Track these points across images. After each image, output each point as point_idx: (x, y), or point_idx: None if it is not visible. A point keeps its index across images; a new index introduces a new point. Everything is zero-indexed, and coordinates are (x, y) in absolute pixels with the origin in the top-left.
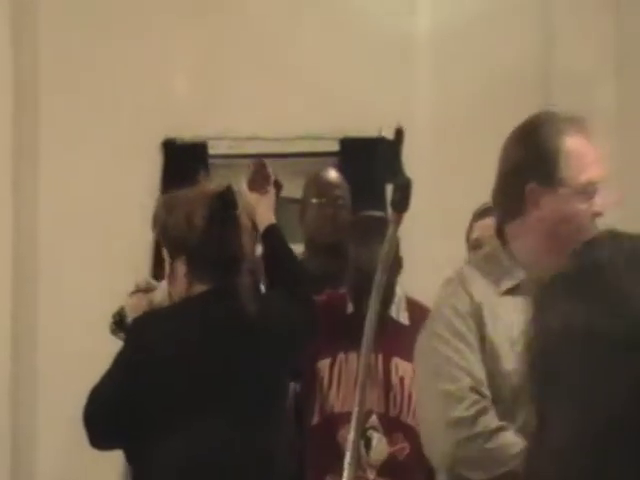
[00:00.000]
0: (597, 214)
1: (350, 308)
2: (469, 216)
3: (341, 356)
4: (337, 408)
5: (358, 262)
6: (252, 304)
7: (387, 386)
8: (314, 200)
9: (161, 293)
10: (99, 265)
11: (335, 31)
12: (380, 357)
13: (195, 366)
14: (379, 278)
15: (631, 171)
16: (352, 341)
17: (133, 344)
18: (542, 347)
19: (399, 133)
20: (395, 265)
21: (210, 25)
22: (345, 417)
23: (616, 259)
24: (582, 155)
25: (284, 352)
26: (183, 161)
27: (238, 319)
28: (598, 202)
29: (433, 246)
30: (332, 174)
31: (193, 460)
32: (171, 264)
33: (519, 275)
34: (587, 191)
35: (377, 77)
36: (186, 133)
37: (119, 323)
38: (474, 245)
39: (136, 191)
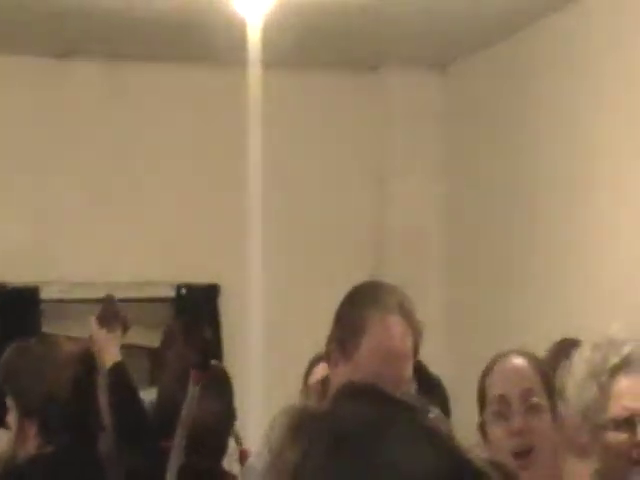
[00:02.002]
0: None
1: (185, 459)
2: (297, 366)
3: None
4: None
5: (196, 413)
6: (100, 464)
7: None
8: None
9: (0, 444)
10: None
11: (168, 186)
12: None
13: None
14: (179, 436)
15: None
16: None
17: None
18: None
19: (190, 290)
20: (228, 418)
21: (45, 174)
22: None
23: (359, 420)
24: (384, 348)
25: None
26: (14, 305)
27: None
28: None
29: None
30: None
31: None
32: (20, 421)
33: None
34: (373, 381)
35: (212, 234)
36: (17, 278)
37: None
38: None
39: None
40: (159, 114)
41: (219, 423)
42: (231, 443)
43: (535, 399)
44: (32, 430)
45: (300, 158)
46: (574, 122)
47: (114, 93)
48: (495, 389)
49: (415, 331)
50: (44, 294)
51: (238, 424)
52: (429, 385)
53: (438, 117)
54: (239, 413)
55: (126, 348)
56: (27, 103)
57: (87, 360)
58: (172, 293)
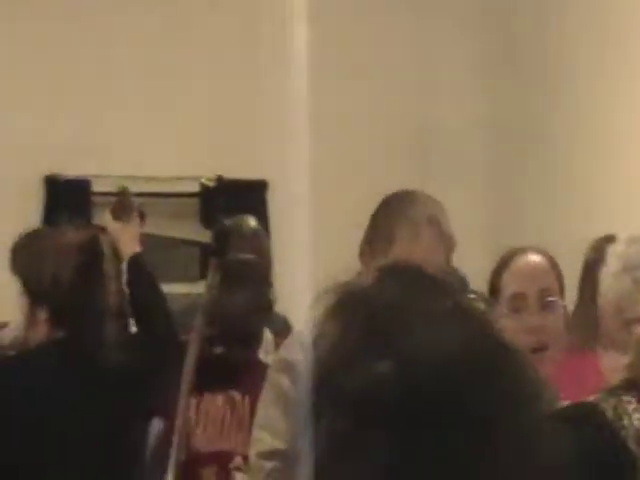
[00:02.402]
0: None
1: (218, 349)
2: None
3: (207, 396)
4: (203, 448)
5: (224, 305)
6: (108, 351)
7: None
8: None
9: (11, 332)
10: None
11: (216, 80)
12: (247, 399)
13: (46, 421)
14: (198, 322)
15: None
16: (219, 382)
17: None
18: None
19: (220, 181)
20: (263, 308)
21: (95, 65)
22: (210, 457)
23: (396, 297)
24: (412, 256)
25: (135, 394)
26: (66, 198)
27: (92, 367)
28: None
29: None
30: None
31: None
32: (30, 307)
33: None
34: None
35: (254, 127)
36: (69, 170)
37: None
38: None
39: (17, 228)
40: (204, 8)
41: (249, 312)
42: (267, 334)
43: (552, 297)
44: (42, 316)
45: (345, 56)
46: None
47: None
48: (512, 285)
49: (445, 243)
50: (96, 187)
51: (286, 315)
52: None
53: (480, 12)
54: (287, 306)
55: (171, 241)
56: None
57: (92, 246)
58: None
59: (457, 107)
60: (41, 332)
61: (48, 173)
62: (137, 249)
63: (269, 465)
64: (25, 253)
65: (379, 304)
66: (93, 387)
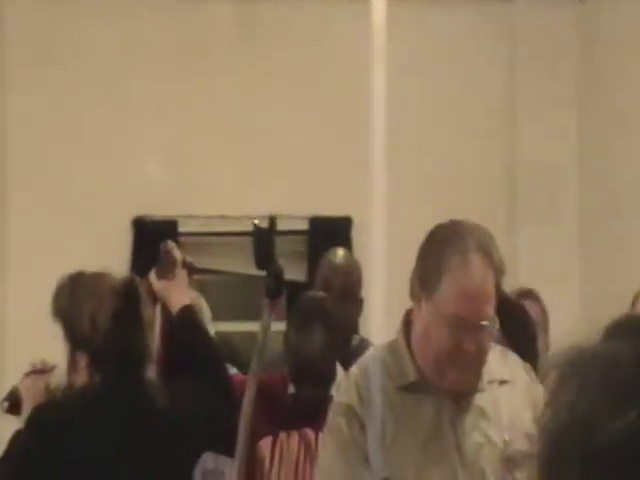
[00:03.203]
0: (464, 351)
1: (291, 389)
2: None
3: (282, 435)
4: None
5: (297, 344)
6: (154, 396)
7: None
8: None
9: (58, 376)
10: None
11: (297, 123)
12: (321, 436)
13: (101, 464)
14: (255, 361)
15: (593, 262)
16: (293, 421)
17: (36, 439)
18: (549, 435)
19: (272, 222)
20: (335, 345)
21: (181, 111)
22: None
23: (631, 353)
24: (463, 285)
25: (189, 440)
26: (153, 239)
27: (142, 412)
28: (467, 341)
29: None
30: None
31: None
32: (71, 353)
33: (411, 373)
34: (451, 321)
35: (343, 171)
36: (157, 211)
37: (14, 404)
38: None
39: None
40: (287, 50)
41: (321, 352)
42: (339, 370)
43: None
44: (82, 362)
45: (427, 91)
46: None
47: (245, 31)
48: None
49: (495, 269)
50: (182, 227)
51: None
52: (510, 311)
53: (571, 50)
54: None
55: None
56: (163, 42)
57: (128, 292)
58: (305, 226)
59: (547, 146)
60: (82, 377)
61: (136, 215)
62: (186, 302)
63: None
64: (64, 298)
65: (612, 362)
66: (134, 431)
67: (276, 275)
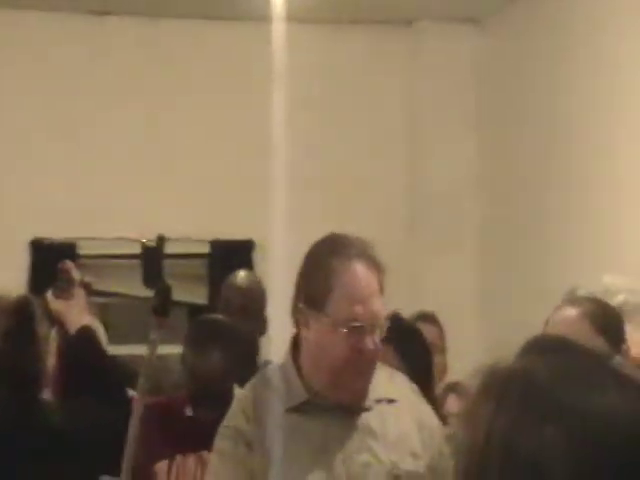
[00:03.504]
0: (364, 352)
1: (189, 412)
2: None
3: (179, 459)
4: None
5: (193, 366)
6: (49, 415)
7: None
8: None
9: None
10: None
11: (199, 147)
12: None
13: None
14: (142, 381)
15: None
16: (190, 443)
17: None
18: (466, 455)
19: (160, 241)
20: (235, 366)
21: (81, 133)
22: None
23: (543, 371)
24: (354, 290)
25: (87, 461)
26: (52, 261)
27: (36, 431)
28: (366, 342)
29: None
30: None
31: None
32: None
33: (301, 394)
34: (349, 327)
35: (244, 193)
36: (56, 233)
37: None
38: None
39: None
40: (190, 72)
41: (218, 373)
42: (237, 391)
43: None
44: None
45: (328, 113)
46: (612, 78)
47: (147, 50)
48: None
49: (378, 270)
50: (81, 250)
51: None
52: (405, 334)
53: (470, 72)
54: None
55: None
56: (66, 60)
57: (20, 311)
58: (207, 249)
59: (448, 169)
60: None
61: (35, 236)
62: (83, 322)
63: None
64: None
65: (530, 381)
66: (27, 450)
67: (163, 293)
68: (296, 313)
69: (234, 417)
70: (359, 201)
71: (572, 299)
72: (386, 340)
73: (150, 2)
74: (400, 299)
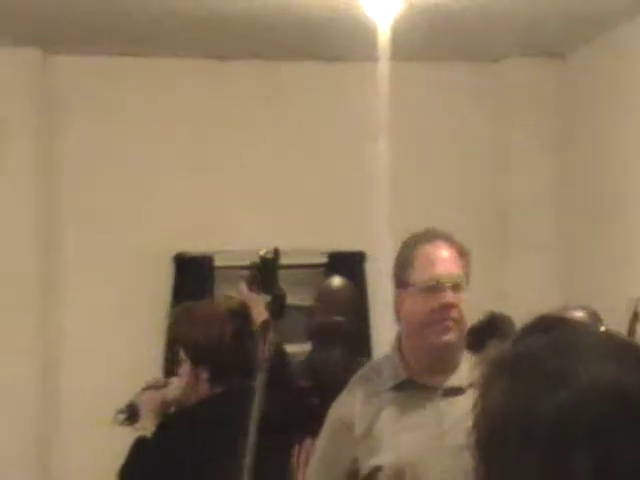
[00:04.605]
0: (444, 306)
1: (315, 400)
2: None
3: (308, 442)
4: None
5: (314, 362)
6: (263, 402)
7: None
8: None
9: (174, 390)
10: (120, 369)
11: (311, 172)
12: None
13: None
14: (260, 378)
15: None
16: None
17: (167, 443)
18: (486, 426)
19: (276, 253)
20: (352, 361)
21: (215, 166)
22: None
23: (548, 346)
24: (428, 259)
25: (277, 435)
26: (192, 272)
27: (247, 415)
28: (445, 296)
29: None
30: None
31: None
32: (193, 369)
33: (402, 373)
34: (430, 287)
35: (357, 208)
36: (194, 248)
37: (132, 416)
38: None
39: (152, 302)
40: (306, 108)
41: (337, 367)
42: None
43: None
44: (203, 376)
45: (426, 140)
46: None
47: (267, 91)
48: None
49: (460, 251)
50: (218, 262)
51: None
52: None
53: (552, 104)
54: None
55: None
56: (187, 103)
57: (244, 314)
58: (324, 260)
59: (530, 185)
60: (202, 389)
61: (177, 252)
62: (265, 315)
63: None
64: (185, 323)
65: (522, 352)
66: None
67: (278, 298)
68: (394, 300)
69: (341, 404)
70: (455, 217)
71: None
72: (486, 335)
73: (266, 46)
74: (483, 300)
